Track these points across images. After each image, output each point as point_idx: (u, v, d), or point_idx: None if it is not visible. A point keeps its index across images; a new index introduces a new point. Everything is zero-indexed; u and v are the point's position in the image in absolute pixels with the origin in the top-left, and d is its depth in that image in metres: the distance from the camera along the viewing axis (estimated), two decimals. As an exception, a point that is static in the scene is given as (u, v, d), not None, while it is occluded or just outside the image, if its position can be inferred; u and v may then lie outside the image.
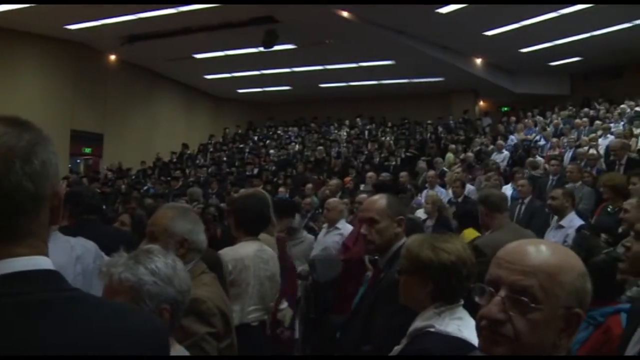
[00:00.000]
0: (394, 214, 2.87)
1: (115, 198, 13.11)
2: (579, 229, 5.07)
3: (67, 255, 3.00)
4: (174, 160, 20.23)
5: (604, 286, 2.84)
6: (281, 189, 12.41)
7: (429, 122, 18.92)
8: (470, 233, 4.86)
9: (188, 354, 1.93)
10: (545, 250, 1.35)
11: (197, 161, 19.77)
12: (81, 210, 3.98)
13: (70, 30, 17.21)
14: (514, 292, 1.30)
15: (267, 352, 3.80)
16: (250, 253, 3.63)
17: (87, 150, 20.65)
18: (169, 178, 17.03)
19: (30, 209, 1.05)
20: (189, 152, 20.77)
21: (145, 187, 16.17)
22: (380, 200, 2.92)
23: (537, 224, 6.42)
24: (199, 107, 24.07)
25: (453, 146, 14.99)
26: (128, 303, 1.62)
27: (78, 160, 20.89)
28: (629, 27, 15.49)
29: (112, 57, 20.05)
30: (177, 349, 1.87)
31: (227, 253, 3.59)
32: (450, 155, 14.21)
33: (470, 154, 13.66)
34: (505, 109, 21.85)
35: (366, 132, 19.87)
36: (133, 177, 18.40)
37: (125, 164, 19.30)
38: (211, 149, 20.99)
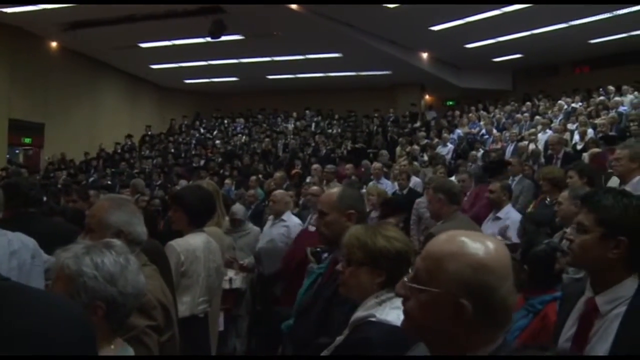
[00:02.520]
0: (344, 207, 2.83)
1: (57, 190, 12.77)
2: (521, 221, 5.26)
3: (2, 249, 2.92)
4: (119, 151, 19.80)
5: (543, 275, 2.96)
6: (227, 181, 12.33)
7: (375, 115, 19.10)
8: None
9: (130, 348, 1.89)
10: (447, 239, 1.43)
11: (143, 152, 19.42)
12: (19, 202, 3.87)
13: (5, 13, 16.46)
14: (413, 275, 1.44)
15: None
16: (200, 245, 3.64)
17: (27, 140, 19.95)
18: (113, 170, 16.72)
19: None
20: (129, 143, 20.36)
21: (92, 179, 15.86)
22: (333, 193, 2.90)
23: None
24: (144, 97, 23.62)
25: (402, 139, 15.19)
26: (59, 294, 1.59)
27: (17, 151, 20.18)
28: (565, 27, 16.05)
29: (54, 44, 19.39)
30: (119, 343, 1.83)
31: (179, 244, 3.58)
32: (400, 149, 14.42)
33: (416, 147, 13.87)
34: (450, 103, 22.25)
35: (313, 125, 19.90)
36: (80, 168, 17.98)
37: (67, 154, 18.78)
38: (148, 139, 20.63)
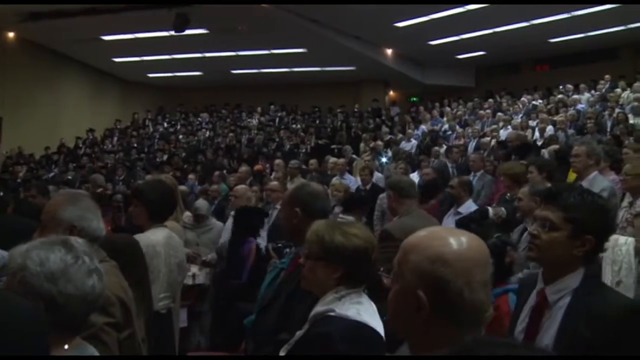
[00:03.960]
0: (292, 204, 2.86)
1: (16, 185, 12.49)
2: (475, 212, 5.36)
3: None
4: (80, 145, 19.43)
5: (494, 268, 3.02)
6: (191, 176, 12.23)
7: (339, 110, 19.14)
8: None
9: (91, 347, 1.85)
10: (423, 234, 1.46)
11: (105, 147, 19.09)
12: (-26, 197, 3.79)
13: (-44, 1, 15.96)
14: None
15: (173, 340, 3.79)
16: (161, 240, 3.61)
17: (-18, 134, 19.41)
18: (75, 165, 16.42)
19: None
20: (91, 137, 20.00)
21: (52, 174, 15.54)
22: (288, 190, 2.97)
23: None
24: (107, 90, 23.16)
25: (366, 135, 15.24)
26: (9, 291, 1.56)
27: (-28, 145, 19.62)
28: (526, 25, 16.38)
29: (11, 35, 18.84)
30: (76, 343, 1.79)
31: (140, 239, 3.53)
32: (363, 144, 14.48)
33: (379, 142, 13.94)
34: (414, 99, 22.42)
35: (277, 120, 19.86)
36: (41, 162, 17.58)
37: (27, 149, 18.32)
38: (117, 135, 20.30)
